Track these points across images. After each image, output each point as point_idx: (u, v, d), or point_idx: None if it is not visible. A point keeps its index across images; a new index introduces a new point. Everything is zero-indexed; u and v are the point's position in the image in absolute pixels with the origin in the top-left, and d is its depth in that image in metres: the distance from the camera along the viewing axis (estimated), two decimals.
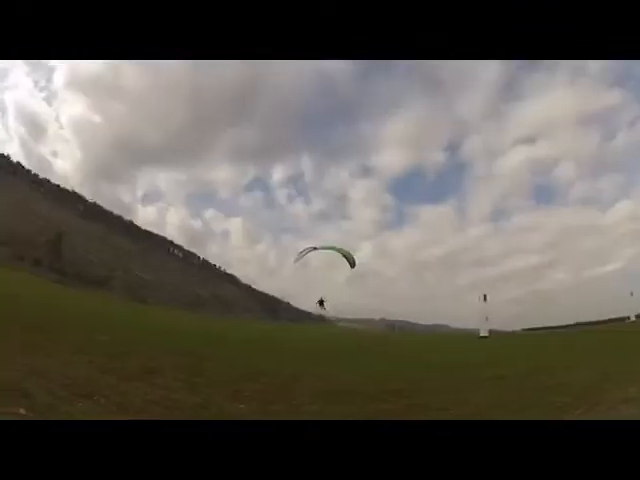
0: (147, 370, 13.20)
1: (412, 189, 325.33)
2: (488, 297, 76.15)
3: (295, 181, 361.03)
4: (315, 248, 30.44)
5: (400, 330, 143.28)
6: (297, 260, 29.39)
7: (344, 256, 29.88)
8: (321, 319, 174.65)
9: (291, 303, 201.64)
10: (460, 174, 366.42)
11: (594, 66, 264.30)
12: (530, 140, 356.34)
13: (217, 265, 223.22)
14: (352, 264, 30.89)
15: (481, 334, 70.22)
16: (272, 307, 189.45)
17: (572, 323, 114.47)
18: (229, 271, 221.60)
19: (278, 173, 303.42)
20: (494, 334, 75.08)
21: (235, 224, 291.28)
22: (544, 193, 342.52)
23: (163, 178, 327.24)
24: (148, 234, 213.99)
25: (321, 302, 40.45)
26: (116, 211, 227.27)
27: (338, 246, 31.95)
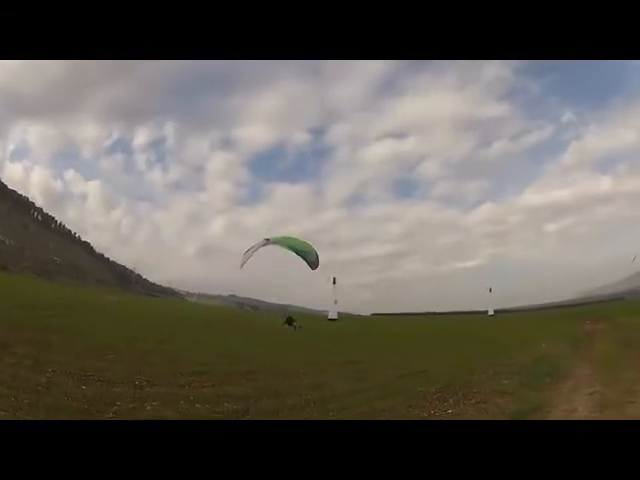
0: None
1: (271, 167, 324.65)
2: (338, 280, 77.54)
3: (156, 147, 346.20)
4: (267, 240, 29.02)
5: (250, 308, 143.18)
6: (246, 260, 27.95)
7: (301, 256, 28.67)
8: (172, 293, 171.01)
9: (143, 275, 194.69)
10: (322, 158, 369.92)
11: (487, 76, 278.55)
12: (399, 135, 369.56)
13: (73, 231, 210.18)
14: (313, 265, 29.80)
15: (330, 316, 71.59)
16: (125, 278, 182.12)
17: (426, 312, 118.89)
18: (84, 238, 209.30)
19: (140, 137, 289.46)
20: (343, 317, 76.93)
21: (94, 187, 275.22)
22: (405, 187, 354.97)
23: (33, 132, 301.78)
24: (13, 194, 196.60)
25: (289, 321, 39.53)
26: None
27: (298, 240, 30.61)
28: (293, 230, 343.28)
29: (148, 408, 8.93)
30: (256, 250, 27.56)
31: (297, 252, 28.28)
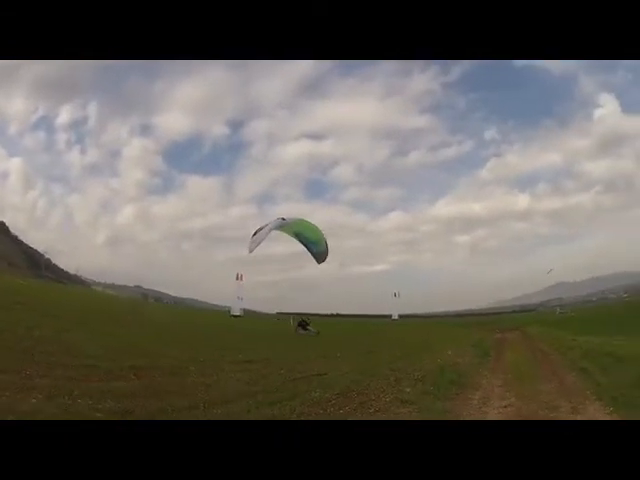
0: None
1: (186, 158, 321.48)
2: (244, 277, 77.23)
3: (77, 127, 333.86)
4: (284, 219, 26.29)
5: (154, 300, 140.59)
6: (257, 244, 25.43)
7: (308, 247, 26.39)
8: (80, 281, 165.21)
9: (53, 261, 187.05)
10: (237, 153, 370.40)
11: (414, 88, 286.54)
12: (317, 137, 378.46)
13: None
14: (319, 257, 27.52)
15: (234, 313, 71.30)
16: (35, 263, 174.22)
17: (330, 313, 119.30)
18: (1, 217, 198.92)
19: (64, 115, 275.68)
20: (248, 314, 78.14)
21: (15, 165, 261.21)
22: (316, 189, 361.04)
23: None
24: None
25: (303, 325, 36.73)
26: None
27: (310, 225, 28.16)
28: (200, 223, 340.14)
29: (33, 401, 8.39)
30: (269, 232, 25.55)
31: (304, 243, 26.55)
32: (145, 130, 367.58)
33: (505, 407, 10.08)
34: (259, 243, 25.69)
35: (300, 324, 36.83)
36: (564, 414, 9.13)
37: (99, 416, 8.05)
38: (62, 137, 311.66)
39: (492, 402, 10.74)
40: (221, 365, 15.59)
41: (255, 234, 26.09)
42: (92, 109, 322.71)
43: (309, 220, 28.92)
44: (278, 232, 27.06)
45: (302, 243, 27.16)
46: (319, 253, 27.42)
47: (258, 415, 9.04)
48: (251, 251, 25.64)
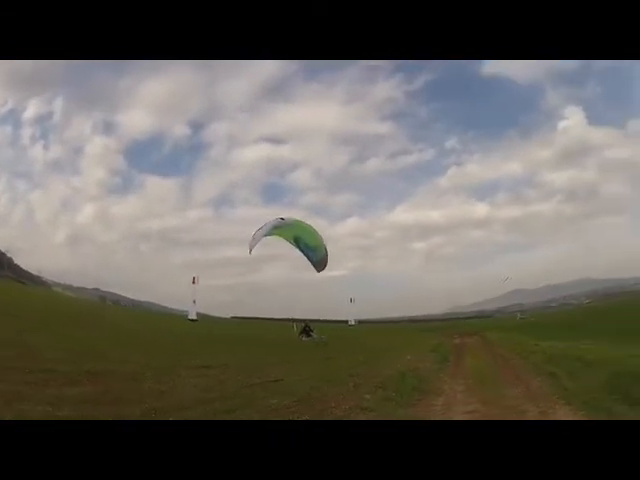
0: None
1: (146, 157, 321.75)
2: (199, 280, 76.87)
3: (42, 122, 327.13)
4: (282, 219, 25.45)
5: (112, 303, 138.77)
6: (255, 243, 24.60)
7: (305, 253, 25.59)
8: (40, 281, 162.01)
9: (15, 260, 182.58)
10: (196, 154, 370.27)
11: (377, 95, 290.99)
12: (277, 141, 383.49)
13: None
14: (318, 265, 26.63)
15: (189, 317, 70.94)
16: None
17: (286, 318, 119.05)
18: None
19: (32, 109, 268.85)
20: (203, 318, 78.01)
21: None
22: (274, 193, 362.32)
23: None
24: None
25: (307, 331, 35.38)
26: None
27: (309, 229, 27.31)
28: (157, 225, 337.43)
29: None
30: (268, 233, 24.86)
31: (303, 249, 25.91)
32: (108, 128, 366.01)
33: (470, 412, 9.90)
34: (258, 241, 25.21)
35: (304, 330, 35.93)
36: (532, 419, 8.97)
37: None
38: (28, 131, 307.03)
39: (456, 408, 10.57)
40: (177, 370, 15.28)
41: (255, 233, 25.59)
42: (58, 104, 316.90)
43: (309, 224, 28.59)
44: (276, 237, 26.51)
45: (300, 249, 26.72)
46: (318, 261, 27.09)
47: (214, 416, 8.89)
48: (251, 250, 25.09)
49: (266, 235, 25.61)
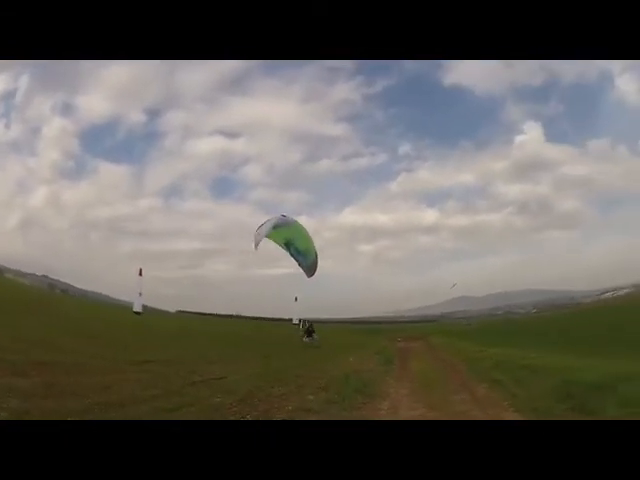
0: None
1: (100, 142, 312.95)
2: (144, 272, 75.37)
3: (6, 99, 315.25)
4: (284, 216, 25.32)
5: (61, 291, 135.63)
6: (259, 240, 23.85)
7: (295, 257, 25.12)
8: None
9: None
10: (150, 142, 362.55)
11: (335, 96, 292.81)
12: (231, 134, 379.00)
13: None
14: (308, 271, 26.30)
15: (135, 309, 69.37)
16: None
17: (231, 314, 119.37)
18: None
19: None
20: (149, 312, 75.48)
21: None
22: (224, 186, 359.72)
23: None
24: None
25: (309, 332, 35.37)
26: None
27: (303, 232, 27.23)
28: (107, 213, 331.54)
29: None
30: (267, 232, 24.38)
31: (293, 254, 26.11)
32: (67, 109, 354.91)
33: (416, 418, 9.76)
34: (261, 239, 24.89)
35: (307, 331, 35.60)
36: None
37: (4, 415, 7.76)
38: None
39: (401, 412, 10.47)
40: (122, 365, 15.17)
41: (258, 229, 25.24)
42: (23, 82, 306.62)
43: (302, 225, 28.51)
44: (267, 239, 26.25)
45: (291, 254, 26.53)
46: (308, 266, 26.97)
47: (155, 413, 8.74)
48: (256, 246, 24.62)
49: (266, 235, 25.51)
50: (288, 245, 26.49)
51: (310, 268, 27.10)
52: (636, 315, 44.93)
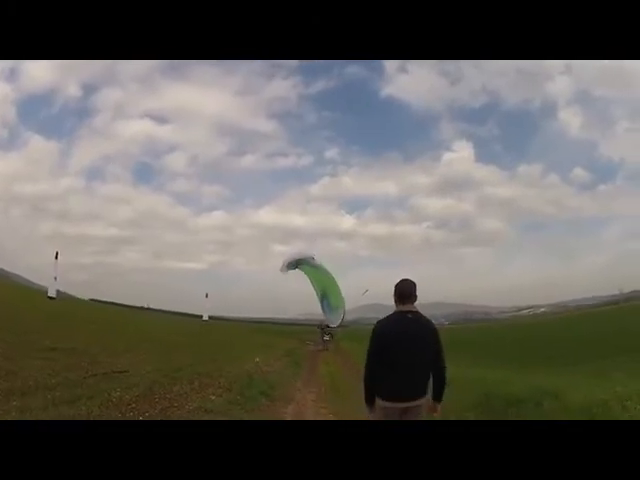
0: None
1: (35, 114, 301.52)
2: (60, 256, 73.08)
3: None
4: (313, 259, 27.39)
5: None
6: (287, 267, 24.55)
7: (325, 309, 24.87)
8: None
9: None
10: (80, 118, 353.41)
11: (270, 92, 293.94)
12: (160, 119, 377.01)
13: None
14: (332, 323, 29.41)
15: (49, 294, 67.13)
16: None
17: (141, 306, 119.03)
18: None
19: None
20: (62, 297, 73.34)
21: None
22: (145, 173, 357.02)
23: None
24: None
25: (323, 333, 35.12)
26: None
27: (337, 289, 30.31)
28: (30, 190, 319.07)
29: None
30: (303, 266, 27.79)
31: (324, 307, 30.23)
32: (12, 74, 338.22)
33: None
34: (293, 268, 28.26)
35: (329, 333, 35.91)
36: None
37: None
38: None
39: (306, 416, 10.67)
40: (27, 351, 14.77)
41: (290, 261, 28.27)
42: None
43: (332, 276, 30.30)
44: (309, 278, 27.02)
45: (321, 304, 26.92)
46: (333, 321, 27.37)
47: (56, 413, 8.34)
48: (283, 270, 27.59)
49: (301, 268, 26.38)
50: (323, 297, 27.23)
51: (334, 322, 27.96)
52: (553, 332, 47.04)
